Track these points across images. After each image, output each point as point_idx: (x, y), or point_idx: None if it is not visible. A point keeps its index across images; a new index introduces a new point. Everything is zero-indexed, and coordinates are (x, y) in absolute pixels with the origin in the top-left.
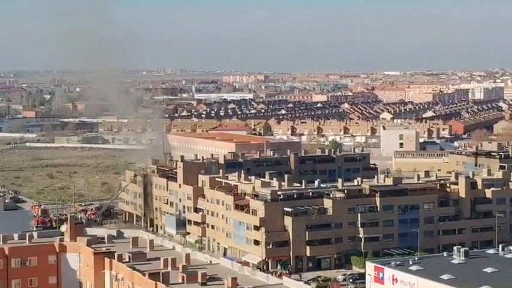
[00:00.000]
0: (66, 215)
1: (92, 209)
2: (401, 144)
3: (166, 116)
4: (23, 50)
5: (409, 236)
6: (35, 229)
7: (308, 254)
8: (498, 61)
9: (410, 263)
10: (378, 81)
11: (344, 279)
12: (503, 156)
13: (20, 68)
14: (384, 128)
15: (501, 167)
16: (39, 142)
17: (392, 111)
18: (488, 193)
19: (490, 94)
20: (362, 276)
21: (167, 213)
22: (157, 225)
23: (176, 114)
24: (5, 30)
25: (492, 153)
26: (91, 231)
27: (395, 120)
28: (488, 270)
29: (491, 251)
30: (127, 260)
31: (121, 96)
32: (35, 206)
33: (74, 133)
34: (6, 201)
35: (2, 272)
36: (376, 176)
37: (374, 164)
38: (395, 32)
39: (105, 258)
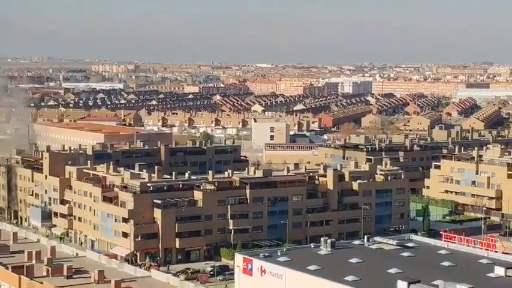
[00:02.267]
0: None
1: None
2: (272, 136)
3: (32, 105)
4: None
5: (278, 227)
6: None
7: (177, 246)
8: (367, 56)
9: (279, 254)
10: (249, 74)
11: (212, 271)
12: (370, 149)
13: None
14: (255, 121)
15: (368, 160)
16: None
17: (263, 104)
18: (355, 185)
19: (359, 88)
20: (226, 268)
21: (32, 205)
22: (21, 218)
23: (42, 104)
24: None
25: (359, 146)
26: None
27: (266, 112)
28: (354, 260)
29: (356, 242)
30: None
31: None
32: None
33: None
34: None
35: None
36: (246, 168)
37: (245, 156)
38: (267, 26)
39: None
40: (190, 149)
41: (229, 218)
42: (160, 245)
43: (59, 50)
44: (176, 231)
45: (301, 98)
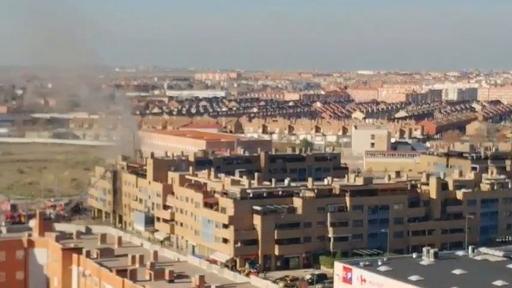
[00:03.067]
0: (35, 210)
1: (61, 205)
2: (372, 144)
3: (138, 112)
4: None
5: (379, 236)
6: (3, 224)
7: (276, 253)
8: (472, 62)
9: (379, 263)
10: (350, 81)
11: (310, 279)
12: (475, 157)
13: None
14: (356, 128)
15: (473, 169)
16: (9, 137)
17: (364, 111)
18: (459, 194)
19: (464, 95)
20: (325, 276)
21: (136, 210)
22: (126, 222)
23: (147, 111)
24: None
25: (464, 154)
26: (60, 227)
27: (367, 119)
28: (457, 272)
29: (460, 253)
30: (95, 256)
31: (92, 92)
32: (4, 201)
33: (44, 128)
34: None
35: None
36: (346, 176)
37: (345, 164)
38: (369, 31)
39: (73, 254)
40: (290, 156)
41: (329, 225)
42: (259, 252)
43: (164, 59)
44: (275, 238)
45: (403, 105)
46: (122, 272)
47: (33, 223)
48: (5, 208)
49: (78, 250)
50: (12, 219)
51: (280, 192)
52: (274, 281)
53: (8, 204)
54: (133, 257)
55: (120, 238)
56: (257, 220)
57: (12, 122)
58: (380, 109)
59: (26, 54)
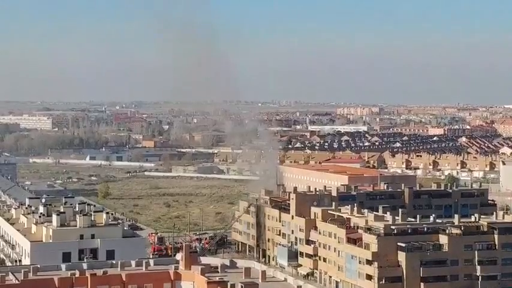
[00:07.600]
0: (181, 243)
1: (206, 238)
2: None
3: (280, 147)
4: (144, 82)
5: None
6: (151, 256)
7: None
8: None
9: None
10: (497, 115)
11: None
12: None
13: (140, 99)
14: (504, 163)
15: None
16: (157, 171)
17: None
18: None
19: None
20: None
21: (279, 244)
22: (269, 256)
23: (290, 146)
24: (127, 63)
25: None
26: (205, 260)
27: None
28: None
29: None
30: None
31: (236, 127)
32: (151, 233)
33: (190, 163)
34: (125, 228)
35: None
36: (494, 213)
37: (493, 200)
38: None
39: (218, 287)
40: (434, 191)
41: (476, 263)
42: None
43: (305, 94)
44: (421, 275)
45: None
46: None
47: (180, 256)
48: (152, 241)
49: (223, 283)
50: (159, 252)
51: (425, 229)
52: None
53: (156, 237)
54: None
55: (264, 272)
56: (402, 257)
57: (159, 157)
58: None
59: (172, 90)
